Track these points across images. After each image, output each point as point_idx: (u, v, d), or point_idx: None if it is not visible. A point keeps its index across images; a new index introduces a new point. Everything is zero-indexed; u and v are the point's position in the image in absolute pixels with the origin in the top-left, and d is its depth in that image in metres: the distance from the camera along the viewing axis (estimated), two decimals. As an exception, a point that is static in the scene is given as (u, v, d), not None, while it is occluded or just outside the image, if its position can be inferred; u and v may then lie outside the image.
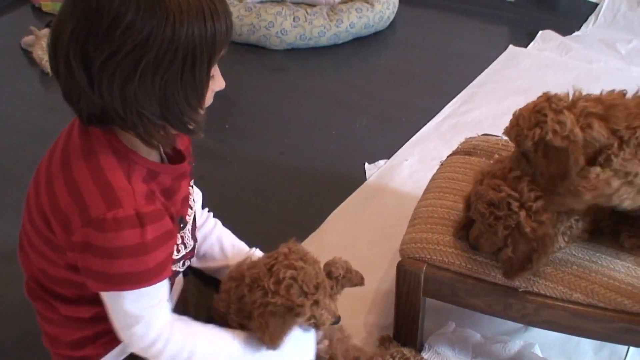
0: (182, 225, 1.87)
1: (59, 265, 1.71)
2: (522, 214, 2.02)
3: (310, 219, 3.26)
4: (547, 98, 2.00)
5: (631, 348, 2.56)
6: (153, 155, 1.73)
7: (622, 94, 2.08)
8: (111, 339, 1.82)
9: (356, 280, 2.21)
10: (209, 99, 1.69)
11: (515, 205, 2.02)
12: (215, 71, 1.67)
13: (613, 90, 2.09)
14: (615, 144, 1.95)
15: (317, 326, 2.01)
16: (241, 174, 3.62)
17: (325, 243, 3.11)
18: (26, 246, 1.80)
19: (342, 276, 2.15)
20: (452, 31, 5.34)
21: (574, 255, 2.20)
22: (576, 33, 5.21)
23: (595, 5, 5.50)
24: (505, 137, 2.16)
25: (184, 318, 1.87)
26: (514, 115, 2.06)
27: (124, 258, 1.57)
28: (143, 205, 1.58)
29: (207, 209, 2.24)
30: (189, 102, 1.59)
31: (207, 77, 1.61)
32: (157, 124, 1.59)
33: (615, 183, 1.98)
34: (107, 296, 1.67)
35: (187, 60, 1.51)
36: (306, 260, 1.95)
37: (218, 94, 1.74)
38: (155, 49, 1.46)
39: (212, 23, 1.52)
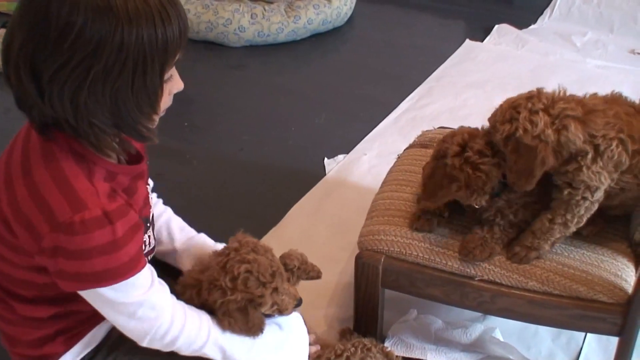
0: (148, 225, 1.87)
1: (18, 267, 1.69)
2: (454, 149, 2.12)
3: (270, 214, 3.26)
4: (529, 96, 2.02)
5: (588, 334, 2.59)
6: (111, 157, 1.71)
7: (604, 99, 2.11)
8: (71, 337, 1.82)
9: (312, 272, 2.21)
10: (166, 102, 1.67)
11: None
12: (173, 73, 1.65)
13: (596, 94, 2.14)
14: (590, 154, 2.00)
15: (280, 312, 2.01)
16: (200, 171, 3.62)
17: (285, 238, 3.11)
18: None
19: (297, 268, 2.15)
20: (410, 26, 5.37)
21: (529, 243, 2.23)
22: (532, 26, 5.27)
23: (550, -2, 5.56)
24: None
25: (192, 307, 1.87)
26: (499, 105, 2.10)
27: (97, 257, 1.55)
28: (108, 204, 1.57)
29: (155, 194, 2.21)
30: (141, 109, 1.57)
31: (160, 83, 1.58)
32: (110, 133, 1.58)
33: (577, 197, 2.07)
34: (96, 297, 1.65)
35: (138, 67, 1.49)
36: (258, 251, 1.94)
37: (177, 93, 1.72)
38: (104, 58, 1.44)
39: (163, 29, 1.49)
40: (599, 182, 2.03)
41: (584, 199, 2.07)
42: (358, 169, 3.60)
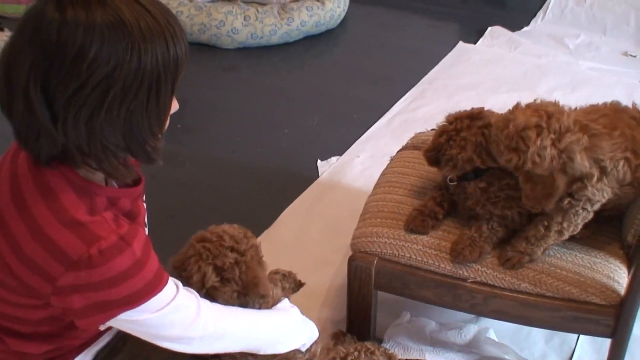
0: None
1: (17, 305, 1.62)
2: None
3: (263, 216, 3.26)
4: (537, 125, 1.97)
5: (581, 336, 2.59)
6: (112, 183, 1.69)
7: (604, 112, 2.11)
8: None
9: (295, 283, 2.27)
10: (167, 123, 1.64)
11: None
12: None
13: (597, 104, 2.16)
14: (596, 176, 2.00)
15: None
16: (193, 173, 3.61)
17: (278, 240, 3.11)
18: None
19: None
20: (402, 28, 5.37)
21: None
22: (525, 28, 5.28)
23: (544, 1, 5.56)
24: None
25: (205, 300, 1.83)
26: (510, 114, 2.04)
27: (123, 282, 1.52)
28: (120, 227, 1.54)
29: None
30: (152, 129, 1.54)
31: (170, 102, 1.57)
32: (120, 156, 1.55)
33: (577, 208, 2.08)
34: (121, 320, 1.60)
35: (153, 87, 1.47)
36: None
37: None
38: (121, 79, 1.41)
39: (174, 46, 1.48)
40: (601, 197, 2.05)
41: (584, 209, 2.08)
42: (351, 171, 3.60)
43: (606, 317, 2.14)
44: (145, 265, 1.56)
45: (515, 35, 5.13)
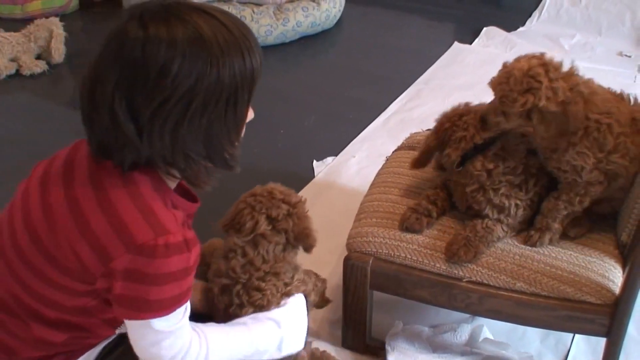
0: None
1: (58, 287, 1.63)
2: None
3: None
4: (543, 63, 2.03)
5: (576, 335, 2.59)
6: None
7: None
8: (69, 357, 1.78)
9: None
10: (243, 132, 1.71)
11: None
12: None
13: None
14: (580, 133, 2.05)
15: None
16: (189, 174, 3.61)
17: (274, 240, 3.11)
18: None
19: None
20: (398, 29, 5.38)
21: (517, 245, 2.24)
22: (520, 29, 5.29)
23: (539, 1, 5.57)
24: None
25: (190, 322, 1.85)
26: (503, 69, 2.09)
27: (168, 283, 1.56)
28: (186, 231, 1.59)
29: None
30: (230, 138, 1.61)
31: (247, 112, 1.64)
32: (201, 164, 1.60)
33: (569, 179, 2.14)
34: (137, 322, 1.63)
35: (231, 98, 1.54)
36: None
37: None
38: (202, 92, 1.48)
39: (249, 58, 1.54)
40: (582, 161, 2.07)
41: (575, 180, 2.12)
42: (347, 171, 3.61)
43: (601, 316, 2.14)
44: (189, 276, 1.61)
45: (511, 35, 5.14)
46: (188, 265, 1.58)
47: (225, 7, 4.87)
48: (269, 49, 4.99)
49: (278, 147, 3.85)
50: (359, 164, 3.66)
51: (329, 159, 3.71)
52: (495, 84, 2.09)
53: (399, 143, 2.85)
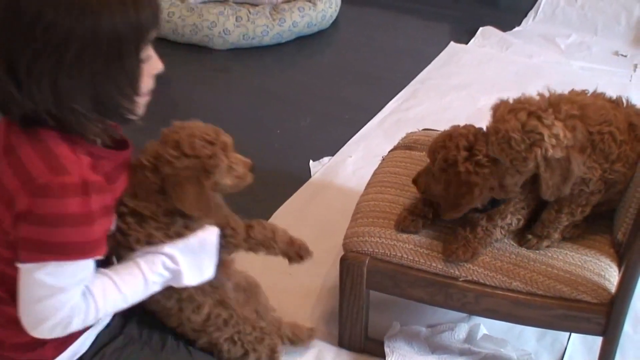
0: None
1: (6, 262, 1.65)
2: (462, 155, 2.09)
3: (255, 216, 3.21)
4: (530, 112, 2.00)
5: (572, 334, 2.60)
6: (97, 142, 1.70)
7: (586, 94, 2.18)
8: (62, 342, 1.78)
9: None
10: (147, 84, 1.68)
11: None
12: (151, 54, 1.66)
13: (573, 90, 2.20)
14: (587, 151, 2.05)
15: (239, 180, 2.00)
16: (186, 174, 3.60)
17: (270, 240, 3.11)
18: None
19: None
20: (394, 29, 5.38)
21: (513, 244, 2.25)
22: (516, 28, 5.29)
23: (535, 1, 5.57)
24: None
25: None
26: (498, 135, 2.02)
27: (66, 227, 1.54)
28: (90, 174, 1.56)
29: None
30: (121, 91, 1.58)
31: (138, 64, 1.60)
32: (92, 118, 1.58)
33: (575, 190, 2.13)
34: (32, 266, 1.58)
35: (112, 51, 1.51)
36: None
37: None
38: (76, 43, 1.46)
39: (136, 12, 1.51)
40: (592, 174, 2.08)
41: (582, 191, 2.12)
42: (343, 171, 3.60)
43: (597, 315, 2.15)
44: (94, 224, 1.57)
45: (507, 35, 5.13)
46: (88, 211, 1.55)
47: (220, 7, 4.88)
48: (265, 49, 4.98)
49: (274, 147, 3.85)
50: (355, 164, 3.66)
51: (325, 159, 3.71)
52: (498, 152, 2.04)
53: (395, 143, 2.85)
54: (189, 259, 1.86)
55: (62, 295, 1.62)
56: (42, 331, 1.67)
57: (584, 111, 2.07)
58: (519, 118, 2.00)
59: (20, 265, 1.59)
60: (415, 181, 2.28)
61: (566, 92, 2.18)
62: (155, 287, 1.84)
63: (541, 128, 1.98)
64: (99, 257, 1.66)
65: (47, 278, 1.58)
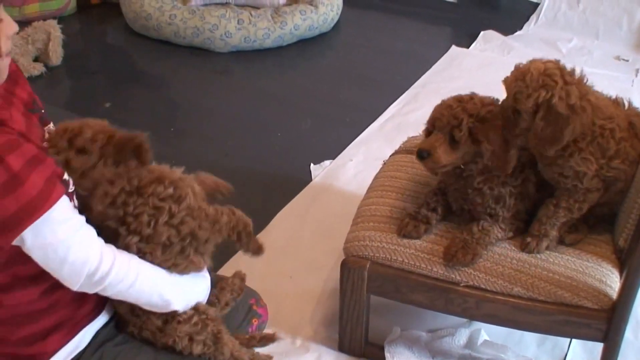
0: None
1: None
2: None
3: (256, 220, 3.20)
4: (559, 67, 2.07)
5: (573, 340, 2.59)
6: None
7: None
8: (64, 335, 1.79)
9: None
10: (6, 45, 1.67)
11: None
12: (4, 17, 1.66)
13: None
14: (588, 139, 2.07)
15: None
16: (186, 177, 3.60)
17: (271, 244, 3.06)
18: None
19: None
20: (396, 32, 5.38)
21: (514, 250, 2.24)
22: (518, 32, 5.29)
23: (537, 4, 5.58)
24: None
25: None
26: (518, 69, 2.10)
27: (1, 199, 1.50)
28: None
29: None
30: None
31: None
32: None
33: (568, 185, 2.15)
34: (27, 243, 1.57)
35: None
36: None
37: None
38: None
39: None
40: (586, 168, 2.09)
41: (575, 186, 2.13)
42: (344, 175, 3.60)
43: (598, 321, 2.14)
44: (26, 181, 1.53)
45: (508, 39, 5.14)
46: (12, 174, 1.51)
47: (222, 10, 4.88)
48: (266, 52, 4.99)
49: (275, 150, 3.85)
50: (356, 168, 3.66)
51: (326, 162, 3.71)
52: (510, 81, 2.10)
53: (396, 147, 2.85)
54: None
55: (73, 244, 1.62)
56: (89, 283, 1.68)
57: (598, 101, 2.09)
58: (546, 64, 2.07)
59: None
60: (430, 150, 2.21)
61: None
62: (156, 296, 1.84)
63: (559, 78, 2.02)
64: (62, 196, 1.62)
65: (38, 239, 1.57)
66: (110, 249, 1.71)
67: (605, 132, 2.08)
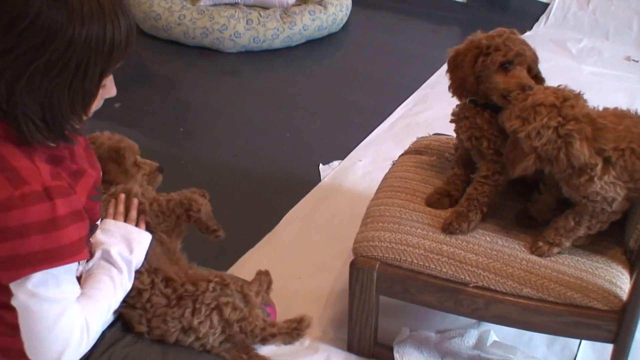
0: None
1: None
2: None
3: (264, 221, 3.25)
4: (552, 104, 2.03)
5: (583, 341, 2.59)
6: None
7: (615, 113, 2.14)
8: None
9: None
10: (96, 105, 1.66)
11: None
12: (108, 80, 1.65)
13: (607, 108, 2.17)
14: (600, 166, 2.01)
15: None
16: (195, 177, 3.60)
17: (279, 244, 3.11)
18: None
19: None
20: (405, 33, 5.38)
21: (524, 251, 2.23)
22: (527, 33, 5.28)
23: (546, 5, 5.57)
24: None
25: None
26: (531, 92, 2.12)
27: (34, 235, 1.50)
28: (49, 180, 1.53)
29: None
30: (74, 109, 1.57)
31: (97, 88, 1.59)
32: (38, 125, 1.55)
33: (597, 209, 2.12)
34: (17, 284, 1.56)
35: (80, 68, 1.50)
36: None
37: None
38: (49, 52, 1.45)
39: (112, 33, 1.51)
40: (615, 194, 2.05)
41: (604, 210, 2.10)
42: (353, 176, 3.60)
43: (608, 323, 2.13)
44: (64, 228, 1.54)
45: (518, 40, 5.13)
46: (54, 216, 1.52)
47: (231, 10, 4.89)
48: (275, 52, 5.00)
49: (283, 151, 3.85)
50: (364, 168, 3.66)
51: (335, 163, 3.70)
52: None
53: (405, 147, 2.85)
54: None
55: (68, 309, 1.62)
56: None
57: (598, 132, 2.03)
58: (546, 95, 2.07)
59: (11, 286, 1.56)
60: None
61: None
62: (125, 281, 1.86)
63: (537, 117, 2.02)
64: (82, 260, 1.65)
65: (40, 290, 1.56)
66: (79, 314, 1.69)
67: (625, 152, 2.03)
